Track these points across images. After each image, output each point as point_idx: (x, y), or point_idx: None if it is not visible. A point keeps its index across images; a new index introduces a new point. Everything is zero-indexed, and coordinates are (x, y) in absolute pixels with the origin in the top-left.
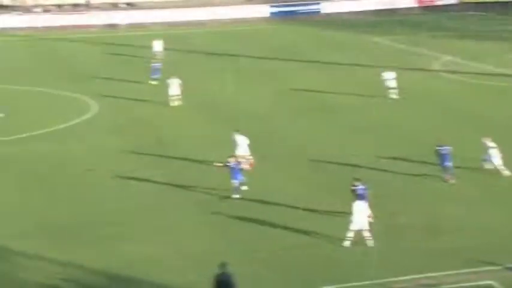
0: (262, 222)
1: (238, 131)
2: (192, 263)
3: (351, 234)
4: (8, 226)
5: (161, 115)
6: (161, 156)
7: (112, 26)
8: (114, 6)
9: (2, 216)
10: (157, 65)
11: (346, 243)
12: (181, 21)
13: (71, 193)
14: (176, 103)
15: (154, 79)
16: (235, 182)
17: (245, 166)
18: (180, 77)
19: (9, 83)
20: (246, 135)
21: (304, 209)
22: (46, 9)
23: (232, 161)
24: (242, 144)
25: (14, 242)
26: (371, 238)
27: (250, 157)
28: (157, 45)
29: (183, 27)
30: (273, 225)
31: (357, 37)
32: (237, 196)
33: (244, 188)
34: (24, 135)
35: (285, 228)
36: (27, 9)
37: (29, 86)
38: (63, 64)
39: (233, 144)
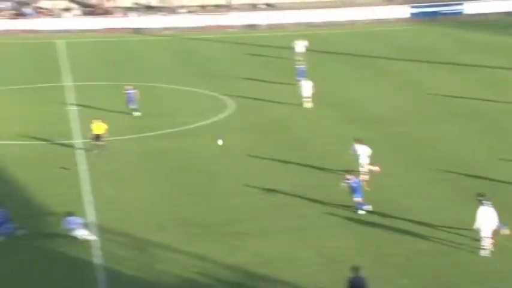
0: (395, 227)
1: (358, 140)
2: (324, 264)
3: (485, 243)
4: (149, 219)
5: (296, 117)
6: (294, 157)
7: (251, 27)
8: (254, 7)
9: (144, 210)
10: (302, 66)
11: (484, 253)
12: (320, 21)
13: (207, 189)
14: (309, 105)
15: (299, 80)
16: (356, 198)
17: (364, 177)
18: (318, 78)
19: (153, 82)
20: (373, 141)
21: (438, 215)
22: (190, 10)
23: (351, 178)
24: (363, 155)
25: (154, 234)
26: (487, 248)
27: (371, 167)
28: (300, 46)
29: (321, 27)
30: (407, 230)
31: (502, 39)
32: (363, 212)
33: (367, 207)
34: (164, 131)
35: (420, 234)
36: (172, 10)
37: (171, 85)
38: (204, 63)
39: (354, 155)
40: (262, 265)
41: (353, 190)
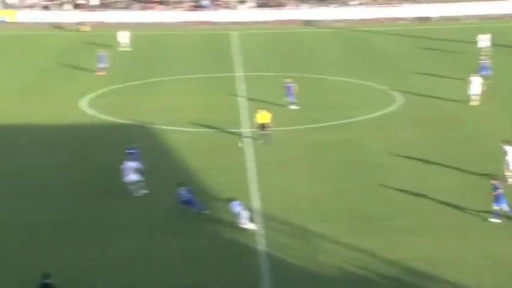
0: None
1: (507, 142)
2: (488, 266)
3: None
4: (312, 209)
5: (467, 113)
6: (460, 155)
7: (424, 19)
8: None
9: (308, 200)
10: (486, 62)
11: None
12: (496, 14)
13: (371, 183)
14: (476, 103)
15: (483, 76)
16: (495, 205)
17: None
18: (495, 75)
19: (322, 74)
20: None
21: None
22: (362, 2)
23: (496, 184)
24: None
25: (316, 224)
26: None
27: None
28: (484, 41)
29: (497, 20)
30: None
31: None
32: (496, 220)
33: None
34: (330, 123)
35: None
36: (343, 2)
37: (339, 77)
38: (374, 56)
39: (503, 158)
40: (423, 263)
41: (496, 196)
